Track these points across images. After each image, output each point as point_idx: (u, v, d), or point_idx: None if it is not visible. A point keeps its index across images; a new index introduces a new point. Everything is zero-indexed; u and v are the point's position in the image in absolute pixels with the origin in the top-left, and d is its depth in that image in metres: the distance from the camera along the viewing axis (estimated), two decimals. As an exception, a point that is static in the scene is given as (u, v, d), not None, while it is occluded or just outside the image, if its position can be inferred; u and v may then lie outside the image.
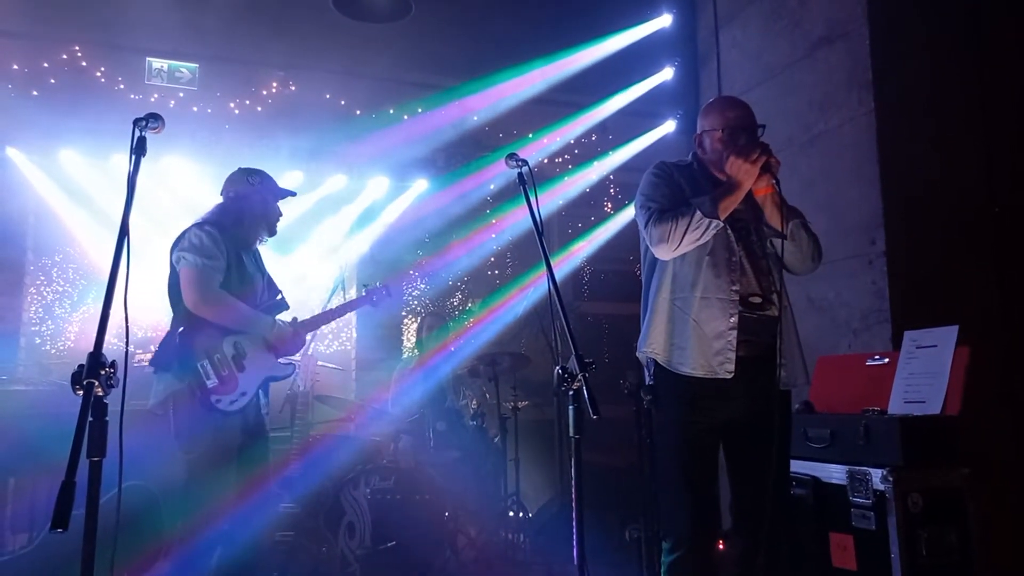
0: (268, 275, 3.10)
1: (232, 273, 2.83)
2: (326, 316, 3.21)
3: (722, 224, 2.30)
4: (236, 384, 2.75)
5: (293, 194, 3.15)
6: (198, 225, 2.84)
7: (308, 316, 3.16)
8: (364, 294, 3.36)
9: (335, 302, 3.76)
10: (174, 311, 2.82)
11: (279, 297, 3.08)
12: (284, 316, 3.07)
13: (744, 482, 2.39)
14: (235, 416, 2.75)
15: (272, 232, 3.08)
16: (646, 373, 2.49)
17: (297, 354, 3.11)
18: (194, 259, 2.74)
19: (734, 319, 2.31)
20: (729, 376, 2.29)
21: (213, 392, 2.69)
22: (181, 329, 2.75)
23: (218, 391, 2.70)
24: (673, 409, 2.38)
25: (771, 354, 2.34)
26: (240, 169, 3.09)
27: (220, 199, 3.05)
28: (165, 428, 3.08)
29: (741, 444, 2.38)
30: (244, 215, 2.96)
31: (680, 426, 2.36)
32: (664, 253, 2.37)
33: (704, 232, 2.28)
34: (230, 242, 2.86)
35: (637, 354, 2.51)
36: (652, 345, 2.41)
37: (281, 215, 3.11)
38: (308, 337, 3.19)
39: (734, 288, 2.33)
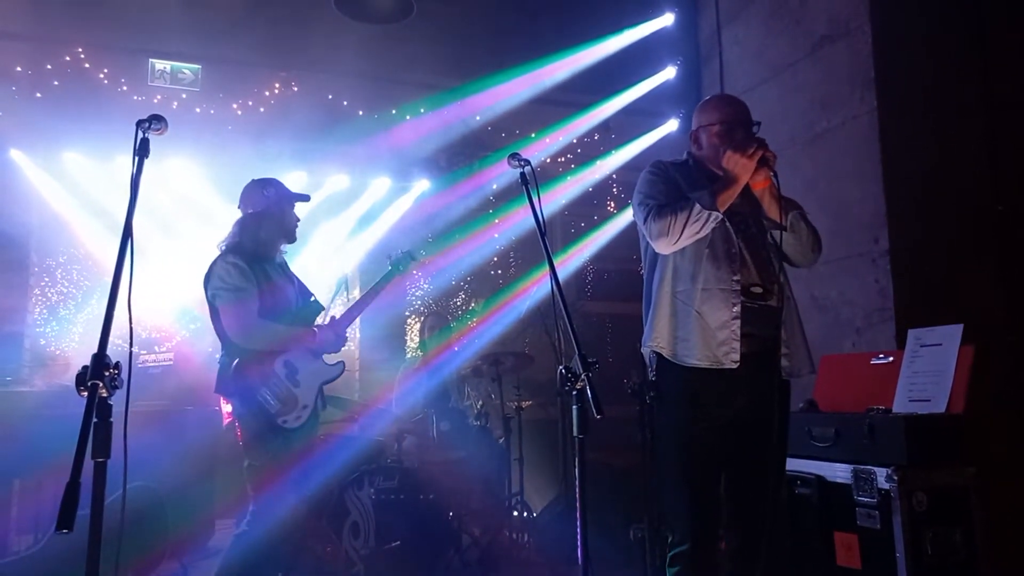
0: (298, 281, 3.18)
1: (264, 294, 2.92)
2: (360, 304, 3.29)
3: (721, 216, 2.31)
4: (296, 401, 2.89)
5: (307, 198, 3.21)
6: (222, 256, 2.93)
7: (343, 311, 3.26)
8: (389, 267, 3.43)
9: (339, 303, 3.77)
10: (223, 343, 2.94)
11: (312, 299, 3.17)
12: (321, 316, 3.18)
13: (743, 475, 2.39)
14: (301, 428, 2.90)
15: (291, 239, 3.14)
16: (648, 369, 2.49)
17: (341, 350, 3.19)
18: (227, 295, 2.85)
19: (736, 308, 2.31)
20: (735, 366, 2.29)
21: (278, 415, 2.83)
22: (236, 362, 2.85)
23: (282, 413, 2.84)
24: (676, 405, 2.39)
25: (774, 344, 2.35)
26: (253, 182, 3.15)
27: (239, 213, 3.14)
28: (169, 429, 3.11)
29: (742, 438, 2.37)
30: (262, 228, 3.04)
31: (683, 422, 2.37)
32: (664, 247, 2.38)
33: (704, 225, 2.29)
34: (255, 262, 2.94)
35: (641, 349, 2.51)
36: (657, 339, 2.41)
37: (298, 220, 3.17)
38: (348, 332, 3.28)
39: (735, 278, 2.33)
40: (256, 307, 2.87)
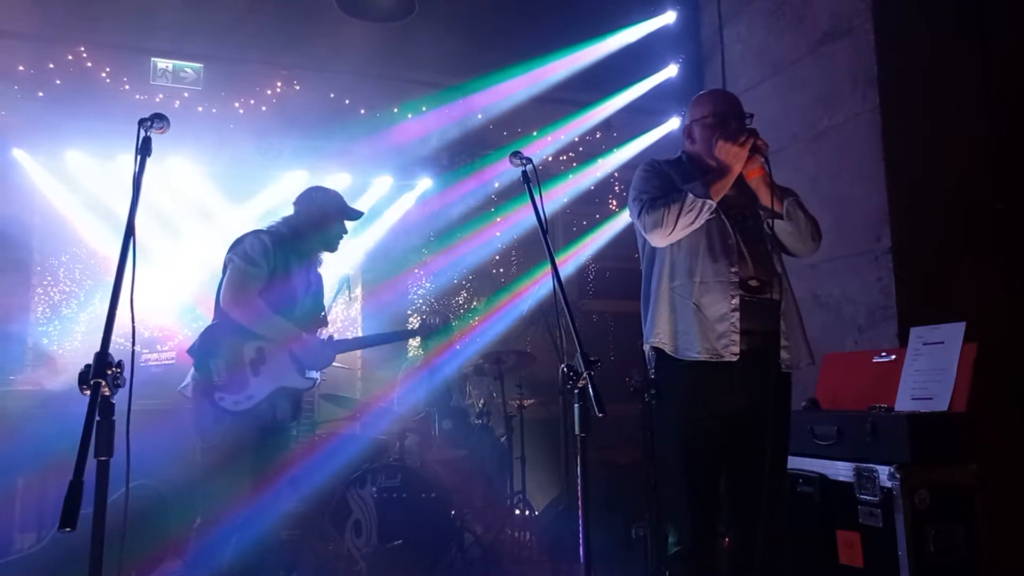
0: (317, 291, 3.18)
1: (275, 282, 2.92)
2: (362, 341, 3.38)
3: (714, 206, 2.31)
4: (245, 386, 2.82)
5: (358, 215, 3.23)
6: (256, 232, 2.97)
7: (347, 337, 3.31)
8: (418, 326, 3.45)
9: (340, 301, 3.77)
10: (215, 310, 2.96)
11: (321, 314, 3.17)
12: (323, 333, 3.17)
13: (741, 472, 2.40)
14: (243, 416, 2.81)
15: (329, 248, 3.16)
16: (649, 365, 2.50)
17: (322, 370, 3.15)
18: (239, 263, 2.87)
19: (735, 301, 2.31)
20: (734, 359, 2.30)
21: (217, 389, 2.78)
22: (212, 324, 2.89)
23: (223, 389, 2.79)
24: (676, 401, 2.39)
25: (773, 337, 2.35)
26: (311, 187, 3.23)
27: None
28: (172, 427, 3.13)
29: (741, 434, 2.37)
30: (302, 228, 3.08)
31: (683, 419, 2.37)
32: (659, 239, 2.38)
33: (698, 215, 2.29)
34: (283, 252, 2.97)
35: (643, 347, 2.52)
36: (657, 335, 2.42)
37: (344, 233, 3.18)
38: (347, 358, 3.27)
39: (733, 271, 2.34)
40: (259, 285, 2.88)
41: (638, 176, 2.50)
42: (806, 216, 2.44)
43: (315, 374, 3.08)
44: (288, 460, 3.04)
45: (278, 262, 2.93)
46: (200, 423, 2.80)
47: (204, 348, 2.83)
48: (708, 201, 2.28)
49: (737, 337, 2.30)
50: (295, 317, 3.00)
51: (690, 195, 2.28)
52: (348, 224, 3.18)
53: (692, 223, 2.31)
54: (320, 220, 3.10)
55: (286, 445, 3.06)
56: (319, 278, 3.21)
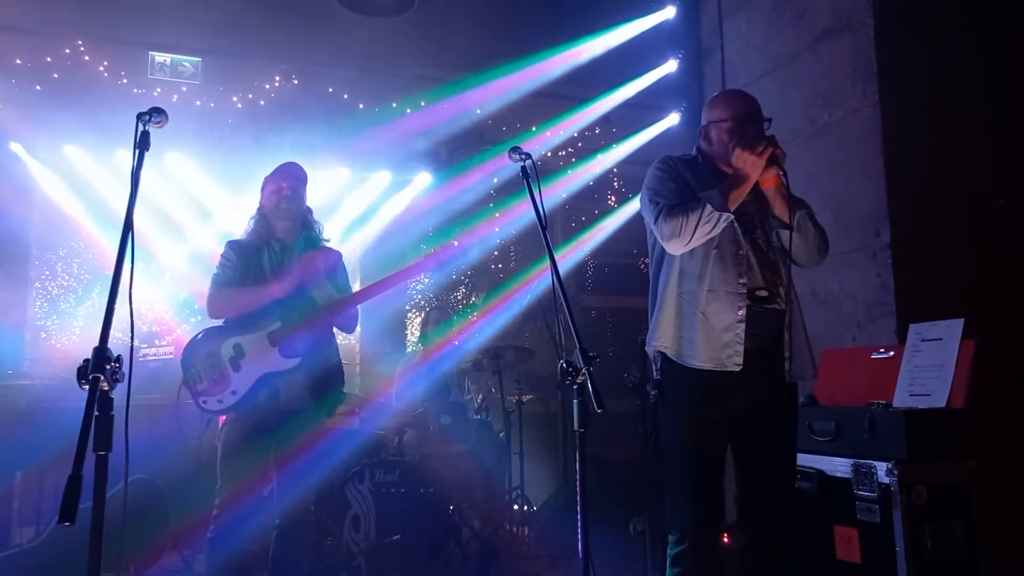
0: (299, 263, 3.05)
1: (243, 279, 2.98)
2: (356, 297, 3.28)
3: (732, 217, 2.30)
4: (228, 384, 2.90)
5: (284, 170, 3.17)
6: None
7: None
8: (416, 263, 3.34)
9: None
10: None
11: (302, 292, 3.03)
12: None
13: (750, 475, 2.41)
14: (232, 411, 2.89)
15: (280, 214, 3.06)
16: (653, 367, 2.49)
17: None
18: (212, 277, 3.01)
19: (742, 312, 2.31)
20: (737, 369, 2.29)
21: (201, 394, 2.90)
22: (193, 337, 3.02)
23: (206, 392, 2.89)
24: (680, 402, 2.39)
25: (778, 347, 2.35)
26: None
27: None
28: (169, 422, 3.15)
29: (747, 437, 2.38)
30: (257, 220, 3.12)
31: (687, 419, 2.37)
32: (676, 248, 2.36)
33: (715, 225, 2.28)
34: (244, 250, 3.03)
35: (646, 348, 2.51)
36: (661, 339, 2.41)
37: (286, 196, 3.07)
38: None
39: (741, 281, 2.33)
40: (223, 283, 2.97)
41: (653, 176, 2.47)
42: (816, 229, 2.43)
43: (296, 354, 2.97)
44: (307, 446, 3.02)
45: (238, 262, 3.01)
46: (193, 425, 2.95)
47: (185, 360, 2.96)
48: (726, 213, 2.27)
49: (741, 348, 2.29)
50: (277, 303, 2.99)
51: (708, 206, 2.26)
52: (280, 184, 3.09)
53: (709, 233, 2.30)
54: (264, 202, 3.11)
55: (302, 428, 3.00)
56: (319, 252, 3.12)
